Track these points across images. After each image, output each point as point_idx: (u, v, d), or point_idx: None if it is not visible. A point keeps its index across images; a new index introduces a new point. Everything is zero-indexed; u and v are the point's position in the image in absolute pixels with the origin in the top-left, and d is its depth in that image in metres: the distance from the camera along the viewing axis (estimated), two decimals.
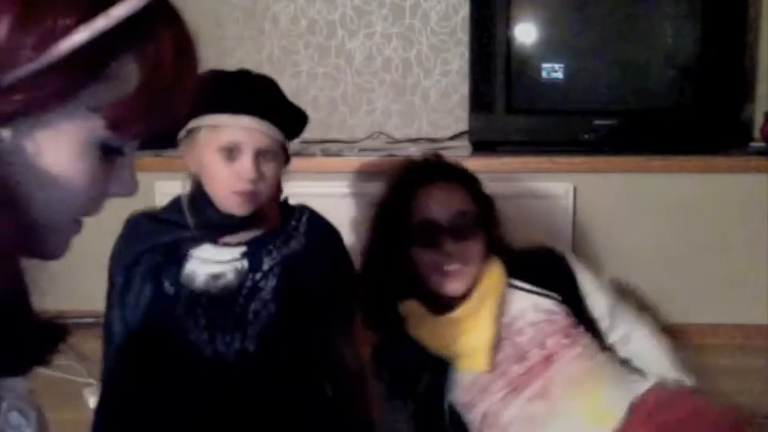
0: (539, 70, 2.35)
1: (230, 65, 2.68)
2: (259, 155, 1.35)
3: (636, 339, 1.62)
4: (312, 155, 2.44)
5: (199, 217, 1.41)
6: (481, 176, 2.48)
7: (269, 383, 1.37)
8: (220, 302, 1.38)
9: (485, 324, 1.49)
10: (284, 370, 1.39)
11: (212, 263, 1.40)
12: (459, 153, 2.47)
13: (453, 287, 1.51)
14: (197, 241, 1.42)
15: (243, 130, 1.33)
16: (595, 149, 2.33)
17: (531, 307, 1.53)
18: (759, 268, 2.30)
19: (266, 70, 2.77)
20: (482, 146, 2.43)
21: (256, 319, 1.37)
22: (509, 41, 2.34)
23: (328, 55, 2.73)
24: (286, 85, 2.63)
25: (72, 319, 2.79)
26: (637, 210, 2.34)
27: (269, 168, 1.37)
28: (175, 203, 1.46)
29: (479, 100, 2.36)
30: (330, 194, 2.39)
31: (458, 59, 2.66)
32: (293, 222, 1.49)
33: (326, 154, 2.45)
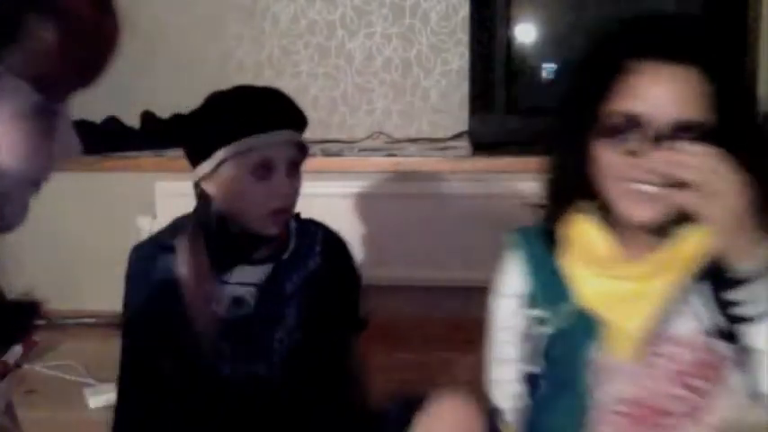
0: (539, 70, 2.35)
1: (230, 65, 2.69)
2: (289, 168, 1.33)
3: None
4: (312, 155, 2.43)
5: (219, 243, 1.34)
6: (481, 176, 2.50)
7: (289, 404, 1.35)
8: (243, 331, 1.34)
9: (648, 303, 1.04)
10: (304, 390, 1.37)
11: (235, 284, 1.35)
12: (459, 153, 2.48)
13: (641, 212, 1.02)
14: (225, 266, 1.35)
15: (275, 145, 1.31)
16: None
17: (692, 340, 1.06)
18: None
19: (266, 70, 2.80)
20: (482, 146, 2.43)
21: (281, 348, 1.35)
22: (509, 41, 2.33)
23: (328, 55, 2.73)
24: (286, 85, 2.64)
25: (72, 320, 2.79)
26: None
27: (297, 181, 1.35)
28: (177, 226, 1.39)
29: (479, 100, 2.36)
30: (330, 194, 2.39)
31: (458, 59, 2.66)
32: (308, 239, 1.44)
33: (326, 154, 2.45)
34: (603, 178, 1.04)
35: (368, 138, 2.72)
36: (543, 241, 1.16)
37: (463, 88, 2.54)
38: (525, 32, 2.37)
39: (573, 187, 1.10)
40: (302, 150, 1.37)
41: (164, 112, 2.52)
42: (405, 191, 2.43)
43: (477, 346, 2.46)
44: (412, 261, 2.44)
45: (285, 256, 1.39)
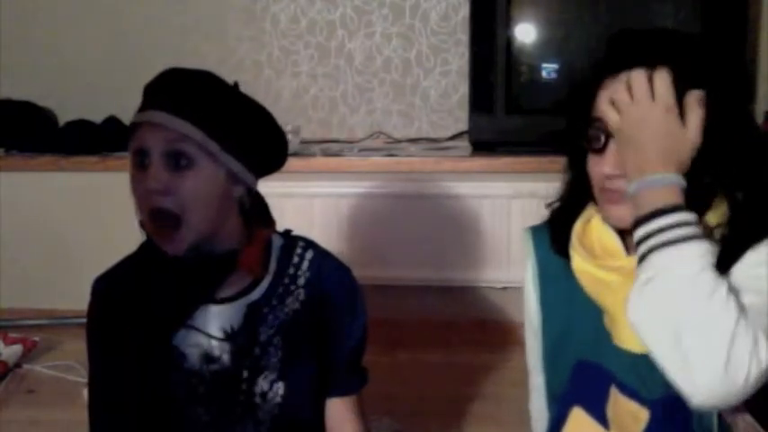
0: (539, 70, 2.35)
1: (230, 65, 2.69)
2: (169, 162, 1.08)
3: None
4: (312, 155, 2.44)
5: (168, 275, 1.15)
6: (481, 176, 2.50)
7: None
8: (220, 391, 1.16)
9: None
10: None
11: (203, 333, 1.15)
12: (459, 153, 2.48)
13: (614, 212, 1.07)
14: (188, 305, 1.15)
15: (149, 129, 1.09)
16: None
17: None
18: None
19: (266, 70, 2.80)
20: (482, 146, 2.43)
21: (265, 403, 1.16)
22: (509, 41, 2.34)
23: (328, 55, 2.73)
24: (286, 84, 2.65)
25: (72, 320, 2.78)
26: None
27: (190, 180, 1.07)
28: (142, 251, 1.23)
29: (479, 100, 2.37)
30: (330, 194, 2.39)
31: (458, 59, 2.66)
32: (291, 269, 1.20)
33: (326, 154, 2.45)
34: (594, 191, 1.10)
35: (368, 138, 2.72)
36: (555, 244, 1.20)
37: (463, 88, 2.55)
38: (525, 32, 2.37)
39: (581, 204, 1.17)
40: (200, 147, 1.08)
41: None
42: (405, 191, 2.43)
43: (475, 346, 2.46)
44: (411, 261, 2.44)
45: (257, 297, 1.16)
